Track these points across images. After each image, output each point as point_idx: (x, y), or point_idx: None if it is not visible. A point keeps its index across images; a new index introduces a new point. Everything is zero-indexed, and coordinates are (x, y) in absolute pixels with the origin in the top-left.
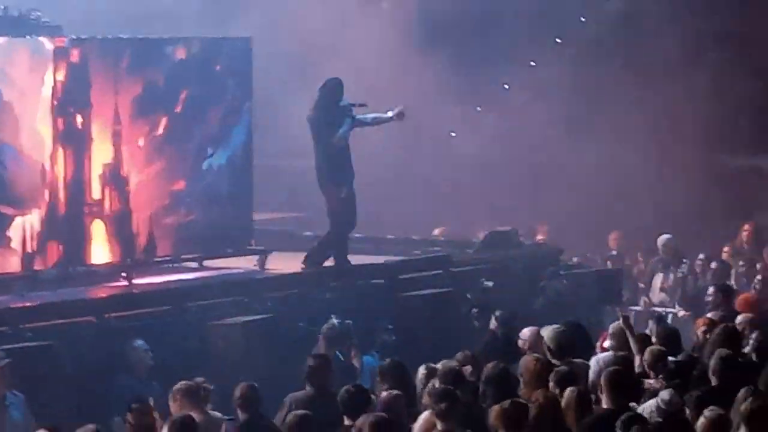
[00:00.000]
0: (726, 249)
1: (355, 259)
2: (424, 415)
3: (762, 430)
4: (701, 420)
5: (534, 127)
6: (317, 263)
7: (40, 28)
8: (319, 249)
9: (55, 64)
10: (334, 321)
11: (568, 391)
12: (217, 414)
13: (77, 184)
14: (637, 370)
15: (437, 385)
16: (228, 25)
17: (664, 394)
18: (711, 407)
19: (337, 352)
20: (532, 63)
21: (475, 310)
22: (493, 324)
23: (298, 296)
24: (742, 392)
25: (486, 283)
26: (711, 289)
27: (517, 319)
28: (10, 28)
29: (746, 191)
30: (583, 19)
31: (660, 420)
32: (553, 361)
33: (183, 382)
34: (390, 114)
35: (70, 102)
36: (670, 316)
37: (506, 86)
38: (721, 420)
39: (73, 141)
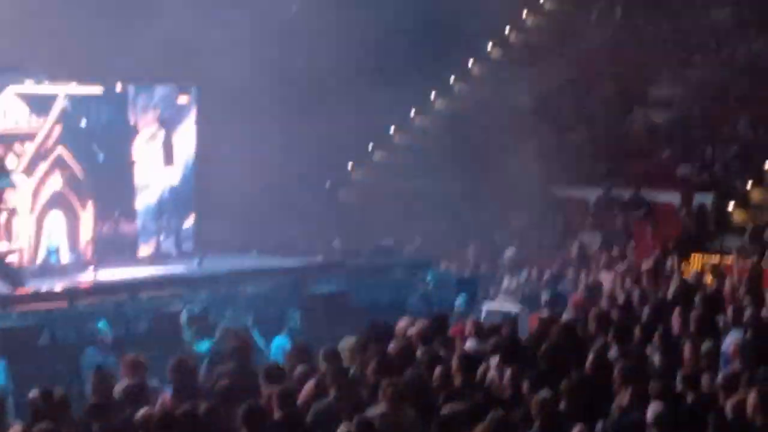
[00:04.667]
0: (558, 261)
1: (271, 261)
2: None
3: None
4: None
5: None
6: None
7: None
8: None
9: None
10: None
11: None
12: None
13: None
14: None
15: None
16: None
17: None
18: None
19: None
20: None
21: None
22: None
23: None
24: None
25: None
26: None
27: None
28: None
29: (573, 216)
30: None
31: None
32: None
33: (129, 355)
34: None
35: None
36: (513, 311)
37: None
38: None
39: None
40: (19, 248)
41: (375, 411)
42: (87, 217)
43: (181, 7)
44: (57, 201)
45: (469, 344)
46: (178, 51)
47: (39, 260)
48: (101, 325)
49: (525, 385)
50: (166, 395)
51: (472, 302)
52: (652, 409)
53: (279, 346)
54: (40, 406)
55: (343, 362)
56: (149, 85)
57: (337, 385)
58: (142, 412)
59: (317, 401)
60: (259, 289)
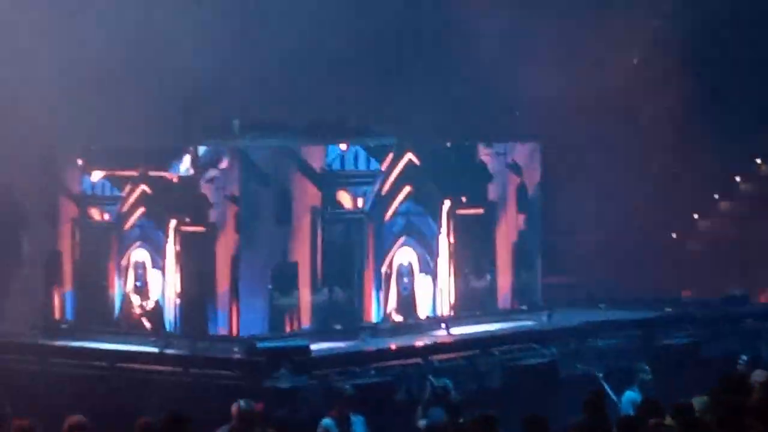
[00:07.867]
0: None
1: (619, 314)
2: None
3: None
4: None
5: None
6: None
7: None
8: None
9: None
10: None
11: None
12: None
13: None
14: None
15: None
16: None
17: None
18: None
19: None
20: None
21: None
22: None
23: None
24: None
25: None
26: None
27: None
28: None
29: None
30: None
31: None
32: None
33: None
34: None
35: None
36: None
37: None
38: None
39: None
40: None
41: None
42: (442, 271)
43: (523, 63)
44: (407, 254)
45: None
46: (520, 104)
47: (392, 317)
48: (447, 382)
49: None
50: None
51: None
52: None
53: (630, 399)
54: None
55: (695, 415)
56: (497, 141)
57: None
58: None
59: None
60: (608, 341)
